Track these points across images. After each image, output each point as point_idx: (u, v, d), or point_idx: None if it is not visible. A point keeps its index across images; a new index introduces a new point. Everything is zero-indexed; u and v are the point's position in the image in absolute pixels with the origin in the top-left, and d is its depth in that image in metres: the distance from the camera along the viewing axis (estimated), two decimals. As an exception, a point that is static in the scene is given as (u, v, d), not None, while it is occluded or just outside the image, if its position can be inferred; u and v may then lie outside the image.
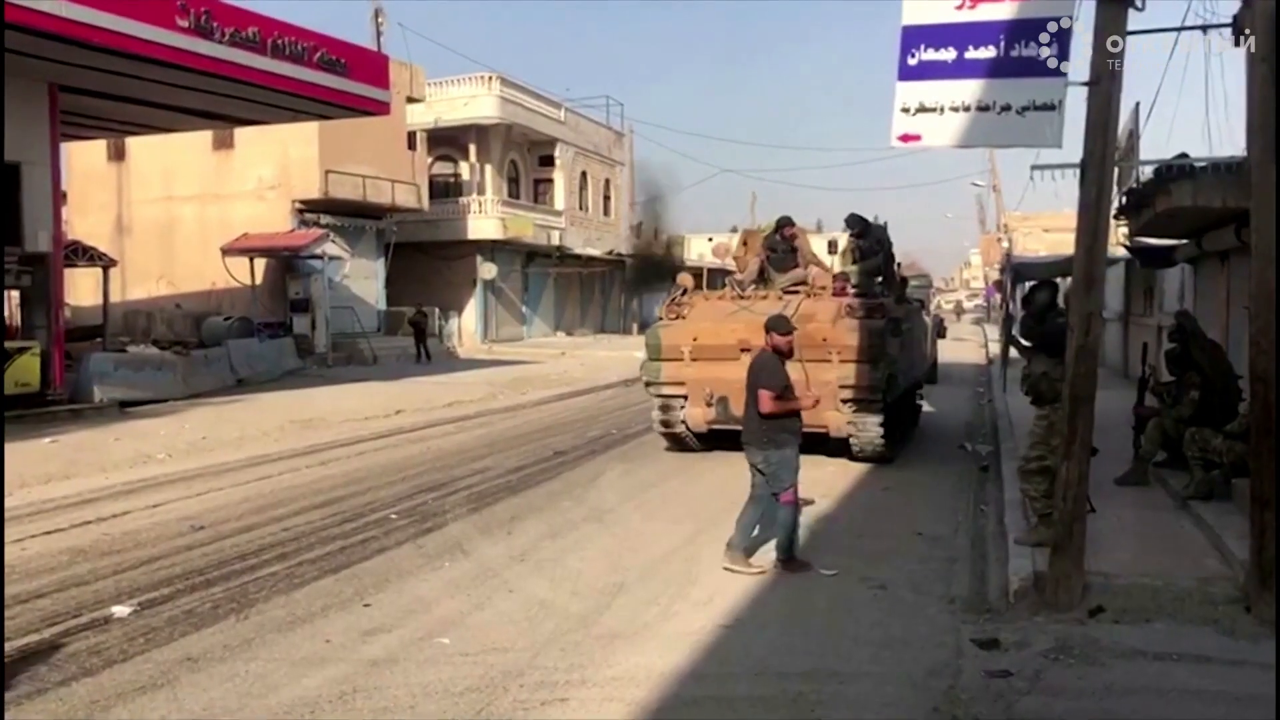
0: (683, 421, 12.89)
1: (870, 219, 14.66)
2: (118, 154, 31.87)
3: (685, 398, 12.75)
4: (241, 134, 28.86)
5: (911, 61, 6.75)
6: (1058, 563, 6.73)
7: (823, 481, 11.19)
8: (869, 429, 11.89)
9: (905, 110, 6.80)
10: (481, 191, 38.57)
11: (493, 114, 37.65)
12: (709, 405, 12.37)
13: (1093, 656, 5.80)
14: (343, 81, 19.15)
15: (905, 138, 6.81)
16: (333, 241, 29.93)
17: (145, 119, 20.79)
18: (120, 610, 6.67)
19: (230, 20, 16.39)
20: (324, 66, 18.49)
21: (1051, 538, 6.93)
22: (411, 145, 33.72)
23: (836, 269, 14.04)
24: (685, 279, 13.75)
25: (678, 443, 13.30)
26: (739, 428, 10.08)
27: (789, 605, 6.96)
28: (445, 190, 38.78)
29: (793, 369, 10.15)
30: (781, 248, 14.10)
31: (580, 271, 44.93)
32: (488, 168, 39.26)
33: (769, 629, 6.45)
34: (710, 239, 76.66)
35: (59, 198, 18.64)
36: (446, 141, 38.48)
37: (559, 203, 43.04)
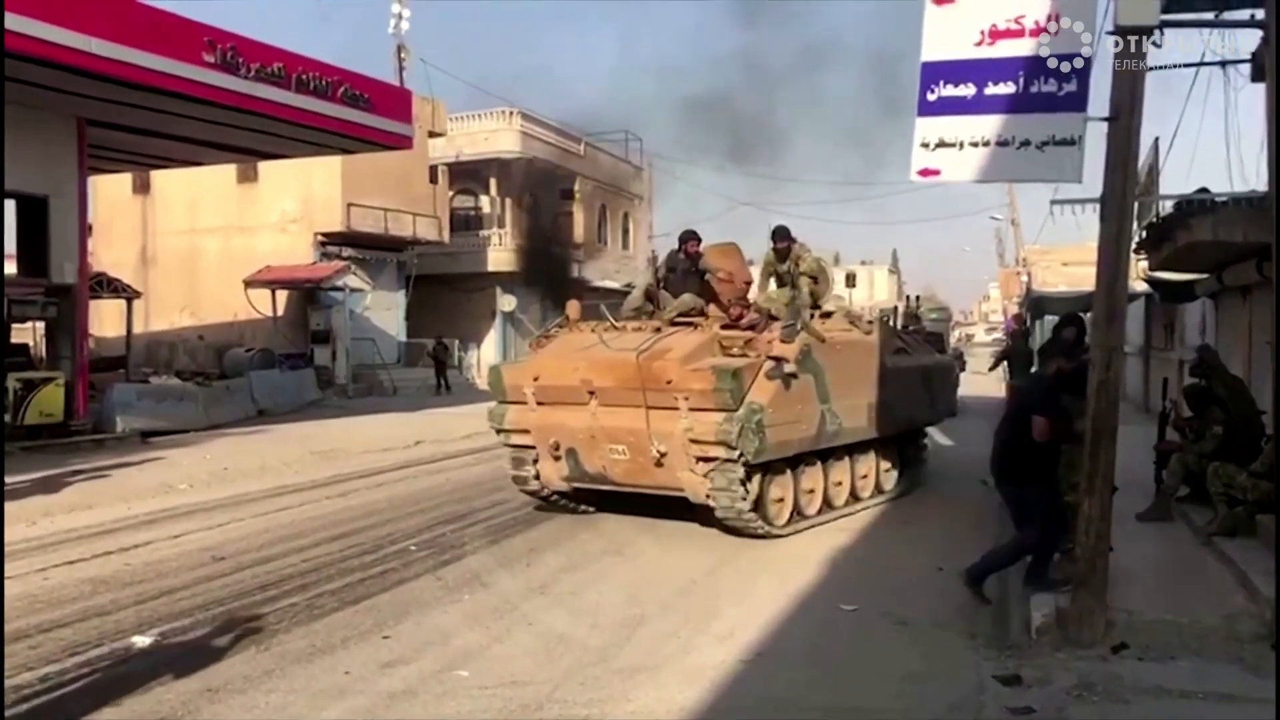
0: (536, 478, 10.94)
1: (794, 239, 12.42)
2: (143, 187, 32.24)
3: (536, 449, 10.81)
4: (265, 167, 29.18)
5: (931, 97, 6.80)
6: (1080, 598, 6.67)
7: (848, 514, 11.16)
8: (726, 493, 9.51)
9: (925, 145, 6.83)
10: (501, 225, 38.82)
11: (513, 148, 37.96)
12: (557, 459, 10.49)
13: (1116, 693, 5.74)
14: (366, 116, 19.37)
15: (925, 172, 6.85)
16: (354, 274, 30.16)
17: (171, 153, 21.06)
18: (141, 640, 6.70)
19: (256, 56, 16.63)
20: (348, 101, 18.72)
21: (1074, 573, 6.88)
22: (433, 179, 34.01)
23: (757, 295, 12.24)
24: (573, 307, 11.72)
25: (550, 503, 11.28)
26: (614, 487, 9.89)
27: (810, 640, 6.92)
28: (466, 223, 39.04)
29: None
30: (683, 266, 11.56)
31: (599, 304, 44.96)
32: (508, 201, 39.51)
33: (790, 664, 6.42)
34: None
35: (85, 230, 18.87)
36: (467, 175, 38.78)
37: (578, 236, 43.23)
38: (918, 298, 35.83)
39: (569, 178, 42.60)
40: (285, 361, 26.70)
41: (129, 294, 24.51)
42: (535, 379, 10.47)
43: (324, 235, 29.94)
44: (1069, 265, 45.50)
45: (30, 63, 13.39)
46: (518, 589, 8.19)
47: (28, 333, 22.84)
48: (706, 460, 9.50)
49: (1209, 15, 7.33)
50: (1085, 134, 6.54)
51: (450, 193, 37.46)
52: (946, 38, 6.77)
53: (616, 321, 11.05)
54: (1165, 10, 6.76)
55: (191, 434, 18.83)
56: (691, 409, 9.44)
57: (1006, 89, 6.63)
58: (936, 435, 16.41)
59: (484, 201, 39.77)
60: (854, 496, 11.47)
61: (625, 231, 48.52)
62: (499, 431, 10.97)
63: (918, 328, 15.77)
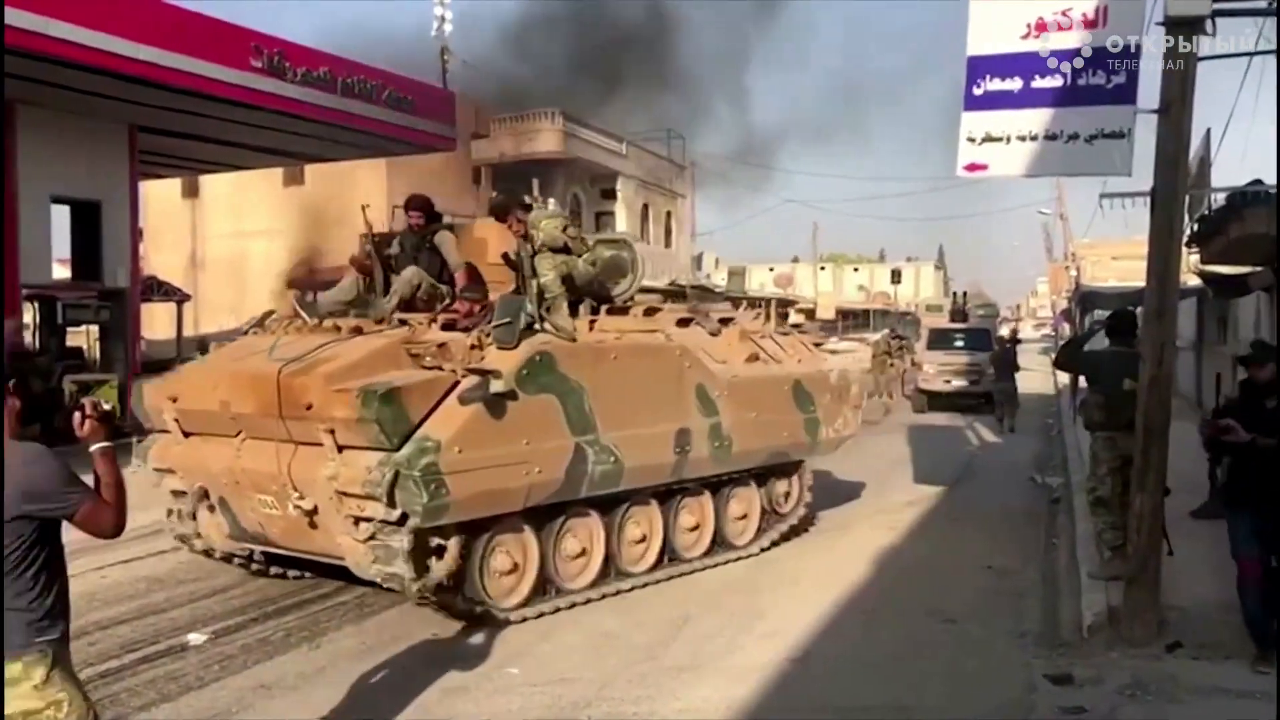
0: (198, 535, 8.08)
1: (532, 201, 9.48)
2: (192, 191, 32.75)
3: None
4: (311, 170, 29.53)
5: (977, 91, 6.74)
6: (1132, 596, 6.59)
7: (888, 513, 11.10)
8: (392, 570, 6.58)
9: (971, 140, 6.79)
10: (544, 225, 38.96)
11: (555, 149, 38.11)
12: (211, 509, 7.73)
13: (1170, 693, 5.66)
14: (411, 119, 19.55)
15: (971, 167, 6.80)
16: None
17: (219, 157, 21.37)
18: (196, 638, 6.81)
19: (302, 61, 16.83)
20: (393, 104, 18.89)
21: (1126, 571, 6.79)
22: (477, 180, 34.23)
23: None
24: (285, 299, 8.91)
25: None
26: (282, 550, 7.58)
27: (857, 640, 6.90)
28: (508, 223, 39.25)
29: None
30: (409, 244, 8.81)
31: (640, 302, 45.05)
32: (550, 201, 39.67)
33: (837, 664, 6.40)
34: (771, 269, 76.97)
35: (137, 235, 19.21)
36: (511, 175, 38.97)
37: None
38: (965, 294, 35.54)
39: (610, 177, 42.73)
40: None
41: (179, 297, 24.92)
42: (174, 400, 7.70)
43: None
44: (1119, 259, 44.87)
45: (83, 70, 13.65)
46: (564, 587, 8.22)
47: (81, 336, 23.28)
48: (364, 521, 6.61)
49: (1262, 3, 7.19)
50: (1135, 126, 6.46)
51: (493, 194, 37.65)
52: (992, 31, 6.71)
53: (314, 317, 8.19)
54: (1216, -1, 6.64)
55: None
56: (341, 446, 6.60)
57: (1054, 82, 6.56)
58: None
59: (526, 202, 39.91)
60: (672, 556, 8.44)
61: (668, 230, 48.58)
62: (156, 469, 8.06)
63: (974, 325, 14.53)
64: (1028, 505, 12.00)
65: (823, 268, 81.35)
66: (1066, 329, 38.52)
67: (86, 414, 3.24)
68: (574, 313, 8.16)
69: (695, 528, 8.74)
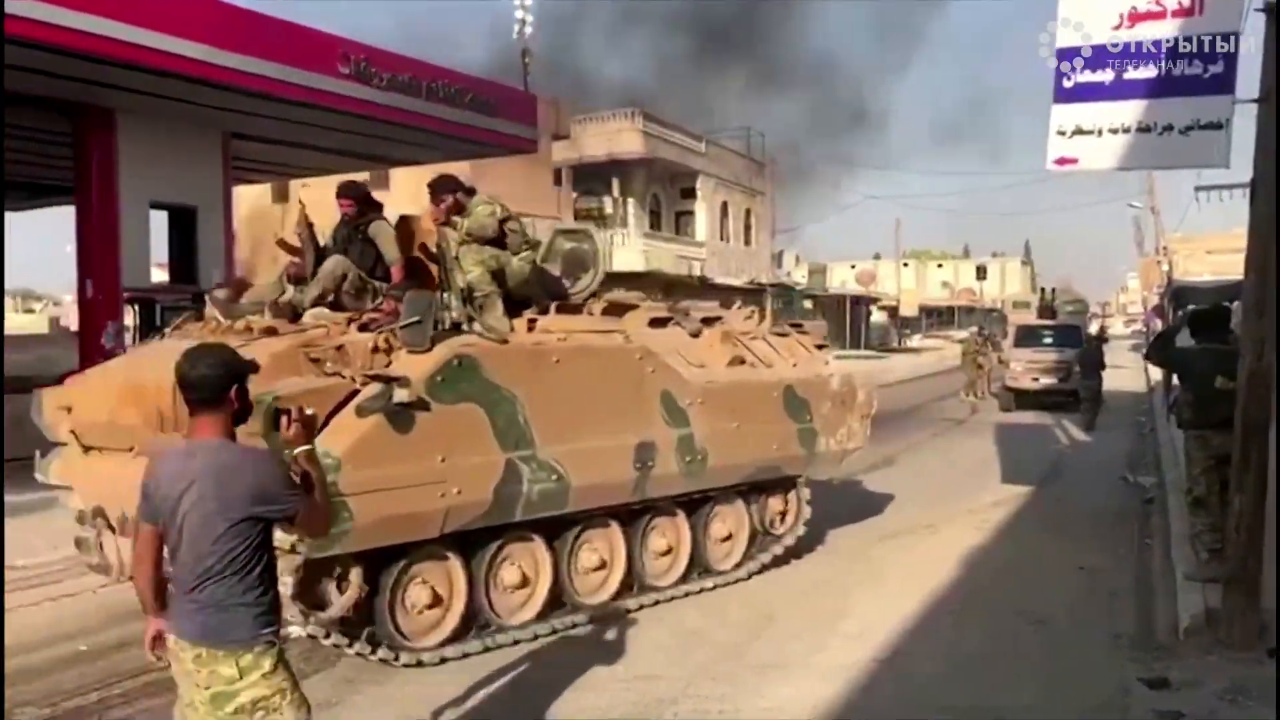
0: (109, 562, 6.79)
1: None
2: (281, 195, 33.56)
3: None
4: (396, 174, 30.06)
5: (1067, 84, 6.63)
6: (1231, 599, 6.42)
7: (975, 512, 10.96)
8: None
9: (1061, 133, 6.68)
10: (624, 225, 39.15)
11: (636, 149, 38.25)
12: (114, 532, 6.60)
13: (1272, 699, 5.50)
14: (493, 121, 19.77)
15: (1062, 161, 6.69)
16: (481, 275, 30.77)
17: (307, 162, 21.84)
18: (297, 631, 6.93)
19: (388, 66, 17.13)
20: (475, 108, 19.12)
21: (1224, 573, 6.62)
22: (557, 181, 34.49)
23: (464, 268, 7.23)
24: (217, 298, 7.97)
25: None
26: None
27: (946, 641, 6.83)
28: (588, 223, 39.45)
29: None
30: (340, 235, 8.02)
31: (720, 301, 45.04)
32: (630, 201, 39.84)
33: (926, 664, 6.35)
34: (853, 266, 76.23)
35: (230, 239, 19.74)
36: (590, 176, 39.23)
37: (700, 234, 43.31)
38: (1053, 290, 34.81)
39: (690, 176, 42.76)
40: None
41: (270, 299, 25.52)
42: (68, 410, 7.04)
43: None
44: (1214, 253, 43.51)
45: (180, 79, 14.08)
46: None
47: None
48: None
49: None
50: (1233, 117, 6.30)
51: (573, 194, 37.94)
52: (1083, 22, 6.60)
53: (229, 319, 7.42)
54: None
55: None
56: None
57: (1148, 73, 6.42)
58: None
59: (607, 202, 40.16)
60: (639, 584, 7.60)
61: (748, 228, 48.46)
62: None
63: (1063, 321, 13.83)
64: (1119, 505, 11.74)
65: (906, 264, 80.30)
66: (1158, 324, 37.56)
67: (292, 418, 3.38)
68: (517, 313, 7.16)
69: (668, 551, 7.81)
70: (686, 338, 8.08)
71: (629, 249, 38.05)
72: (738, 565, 8.34)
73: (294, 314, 7.29)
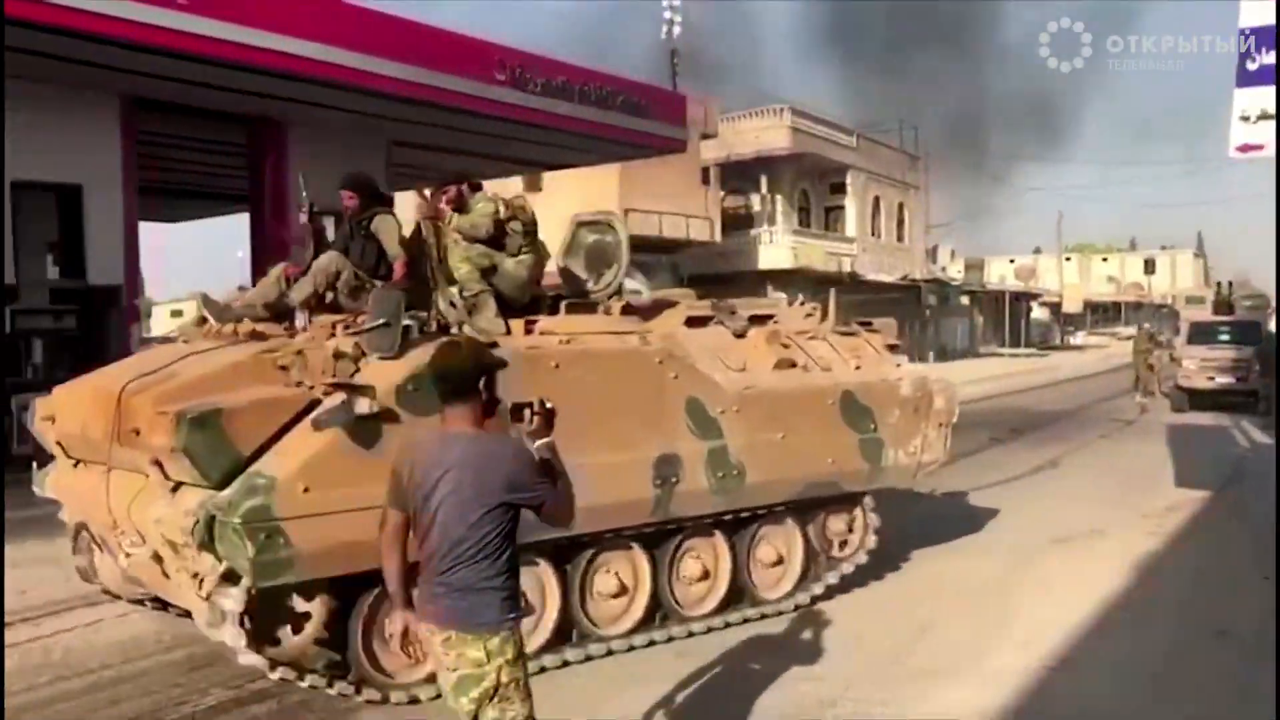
0: (95, 571, 6.78)
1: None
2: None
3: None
4: (549, 177, 30.65)
5: (1251, 66, 6.29)
6: None
7: (1149, 517, 10.49)
8: (219, 627, 5.19)
9: (1244, 119, 6.34)
10: (772, 222, 38.93)
11: (785, 145, 37.98)
12: (101, 548, 6.38)
13: None
14: (644, 123, 19.98)
15: (1245, 148, 6.36)
16: (631, 276, 31.13)
17: (462, 167, 22.46)
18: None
19: (542, 71, 17.52)
20: (626, 109, 19.36)
21: None
22: (705, 179, 34.54)
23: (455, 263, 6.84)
24: (212, 301, 7.01)
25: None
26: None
27: (1120, 649, 6.57)
28: (736, 222, 39.41)
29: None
30: (341, 231, 7.57)
31: (871, 298, 44.35)
32: (778, 198, 39.59)
33: (1098, 673, 6.13)
34: (1012, 260, 73.82)
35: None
36: (738, 174, 39.15)
37: (850, 229, 42.73)
38: (1230, 284, 32.96)
39: (839, 171, 42.23)
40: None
41: (430, 301, 26.38)
42: (51, 420, 6.57)
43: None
44: None
45: (348, 91, 14.72)
46: (806, 585, 8.22)
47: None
48: (198, 575, 5.16)
49: None
50: None
51: (721, 192, 37.94)
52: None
53: (220, 321, 6.76)
54: None
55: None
56: (168, 482, 5.26)
57: (1343, 52, 6.04)
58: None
59: (754, 199, 40.02)
60: (662, 613, 6.77)
61: (900, 223, 47.56)
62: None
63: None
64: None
65: (1068, 258, 77.33)
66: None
67: (535, 411, 3.50)
68: (534, 312, 6.71)
69: (704, 577, 6.99)
70: (729, 338, 7.32)
71: (778, 246, 37.84)
72: (788, 595, 7.40)
73: (286, 315, 6.87)
